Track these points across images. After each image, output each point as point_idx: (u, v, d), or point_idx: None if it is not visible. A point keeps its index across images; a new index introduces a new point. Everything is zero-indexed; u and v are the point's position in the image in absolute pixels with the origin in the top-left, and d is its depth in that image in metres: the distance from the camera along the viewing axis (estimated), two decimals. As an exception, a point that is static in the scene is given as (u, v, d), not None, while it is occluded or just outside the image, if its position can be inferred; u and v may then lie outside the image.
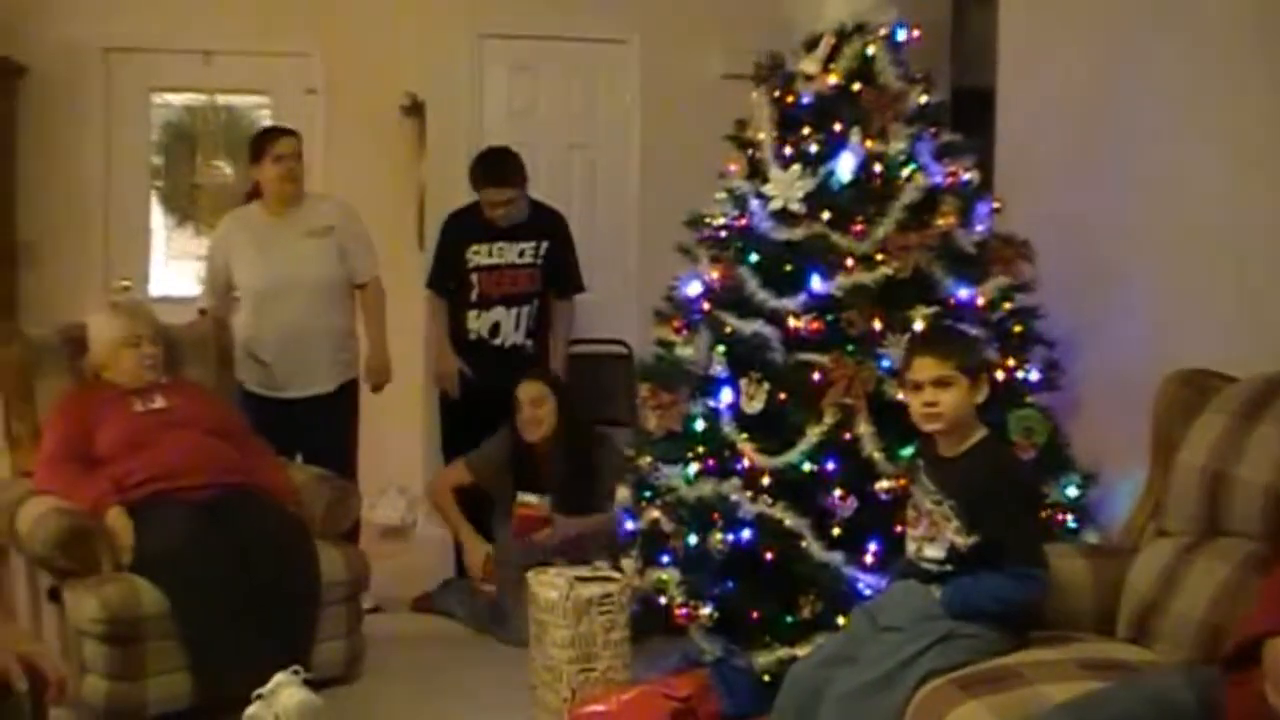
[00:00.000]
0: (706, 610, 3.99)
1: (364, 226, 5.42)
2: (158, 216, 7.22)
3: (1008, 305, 4.21)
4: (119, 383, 4.60)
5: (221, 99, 7.23)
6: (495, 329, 5.55)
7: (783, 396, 4.01)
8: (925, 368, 3.30)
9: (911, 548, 3.34)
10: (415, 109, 6.60)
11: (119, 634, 4.04)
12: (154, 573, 4.14)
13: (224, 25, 6.79)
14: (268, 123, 7.05)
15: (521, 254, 5.53)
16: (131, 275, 6.76)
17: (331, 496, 4.66)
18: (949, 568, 3.23)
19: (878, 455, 3.90)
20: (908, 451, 3.87)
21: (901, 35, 4.36)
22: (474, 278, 5.54)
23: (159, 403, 4.57)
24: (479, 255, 5.53)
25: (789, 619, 3.93)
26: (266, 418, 5.08)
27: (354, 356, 5.42)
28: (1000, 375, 4.01)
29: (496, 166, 5.56)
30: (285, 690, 3.92)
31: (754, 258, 4.15)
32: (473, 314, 5.56)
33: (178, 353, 4.93)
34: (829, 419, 3.92)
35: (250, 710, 3.90)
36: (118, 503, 4.26)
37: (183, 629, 4.10)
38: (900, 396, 3.85)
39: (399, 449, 5.73)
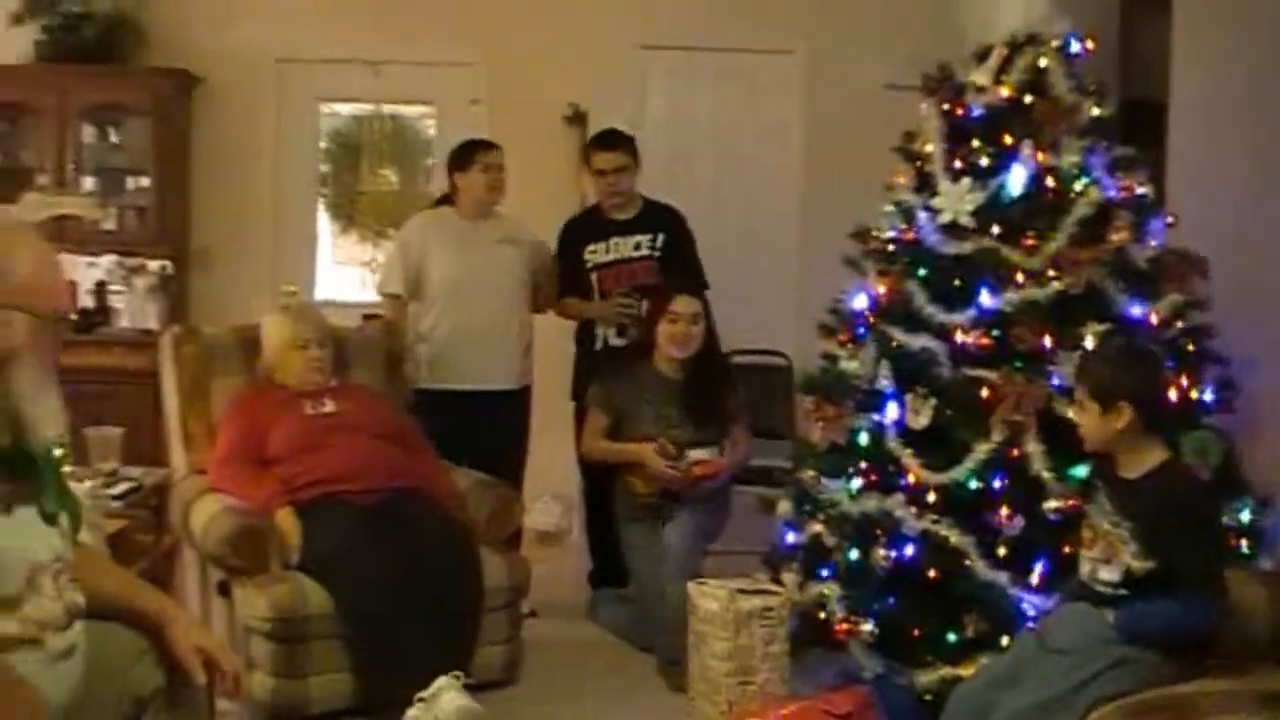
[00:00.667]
0: (867, 626, 3.95)
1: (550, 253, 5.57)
2: (323, 223, 7.37)
3: (1181, 323, 4.11)
4: (289, 384, 4.70)
5: (387, 109, 7.37)
6: (620, 328, 5.49)
7: (949, 412, 3.96)
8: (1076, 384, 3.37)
9: (1085, 569, 3.28)
10: (577, 119, 6.65)
11: (285, 632, 4.13)
12: (321, 573, 4.22)
13: (391, 37, 6.91)
14: (432, 132, 7.22)
15: (637, 246, 5.46)
16: (297, 280, 6.89)
17: (495, 502, 4.72)
18: (1123, 591, 3.17)
19: (1046, 474, 3.82)
20: (1077, 471, 3.79)
21: (1075, 47, 4.29)
22: (593, 278, 5.51)
23: (328, 406, 4.66)
24: (595, 254, 5.49)
25: (951, 638, 3.87)
26: (442, 415, 5.14)
27: (531, 365, 5.49)
28: (1173, 395, 3.92)
29: (605, 134, 5.61)
30: (446, 694, 3.97)
31: (922, 271, 4.11)
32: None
33: (346, 356, 5.02)
34: (997, 436, 3.86)
35: (411, 713, 3.95)
36: (287, 504, 4.36)
37: (347, 630, 4.17)
38: (1070, 414, 3.80)
39: (554, 456, 5.75)
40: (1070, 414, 3.29)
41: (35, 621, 2.33)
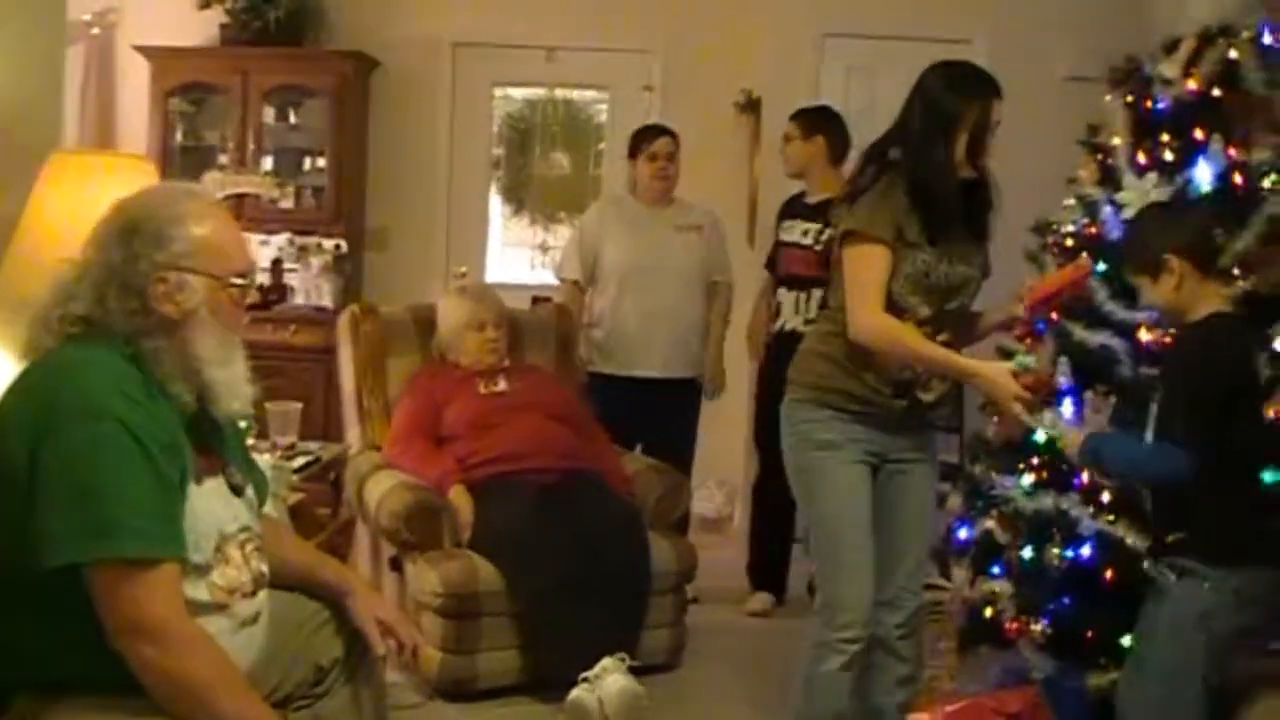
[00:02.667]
0: (1039, 626, 3.89)
1: (725, 238, 5.59)
2: (495, 205, 7.47)
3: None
4: (464, 364, 4.77)
5: (560, 94, 7.44)
6: (777, 311, 5.42)
7: (1128, 411, 3.88)
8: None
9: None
10: (751, 106, 6.64)
11: (456, 608, 4.22)
12: (492, 551, 4.30)
13: (566, 22, 6.98)
14: (604, 118, 7.27)
15: (805, 233, 5.32)
16: (469, 261, 7.01)
17: (664, 487, 4.76)
18: None
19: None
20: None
21: (1268, 38, 4.15)
22: (779, 253, 5.45)
23: (502, 385, 4.73)
24: (781, 231, 5.45)
25: (1125, 641, 3.79)
26: (614, 400, 5.22)
27: (703, 353, 5.49)
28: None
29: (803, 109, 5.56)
30: (610, 675, 4.02)
31: (1104, 267, 4.02)
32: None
33: (520, 338, 5.10)
34: (1177, 436, 3.77)
35: (575, 693, 4.01)
36: (461, 481, 4.44)
37: (516, 608, 4.25)
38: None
39: (720, 442, 5.78)
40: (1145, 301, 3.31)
41: (223, 588, 2.40)
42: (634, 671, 4.10)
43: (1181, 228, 3.28)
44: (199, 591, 2.36)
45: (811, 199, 5.36)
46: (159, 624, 2.22)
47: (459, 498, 4.40)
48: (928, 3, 6.48)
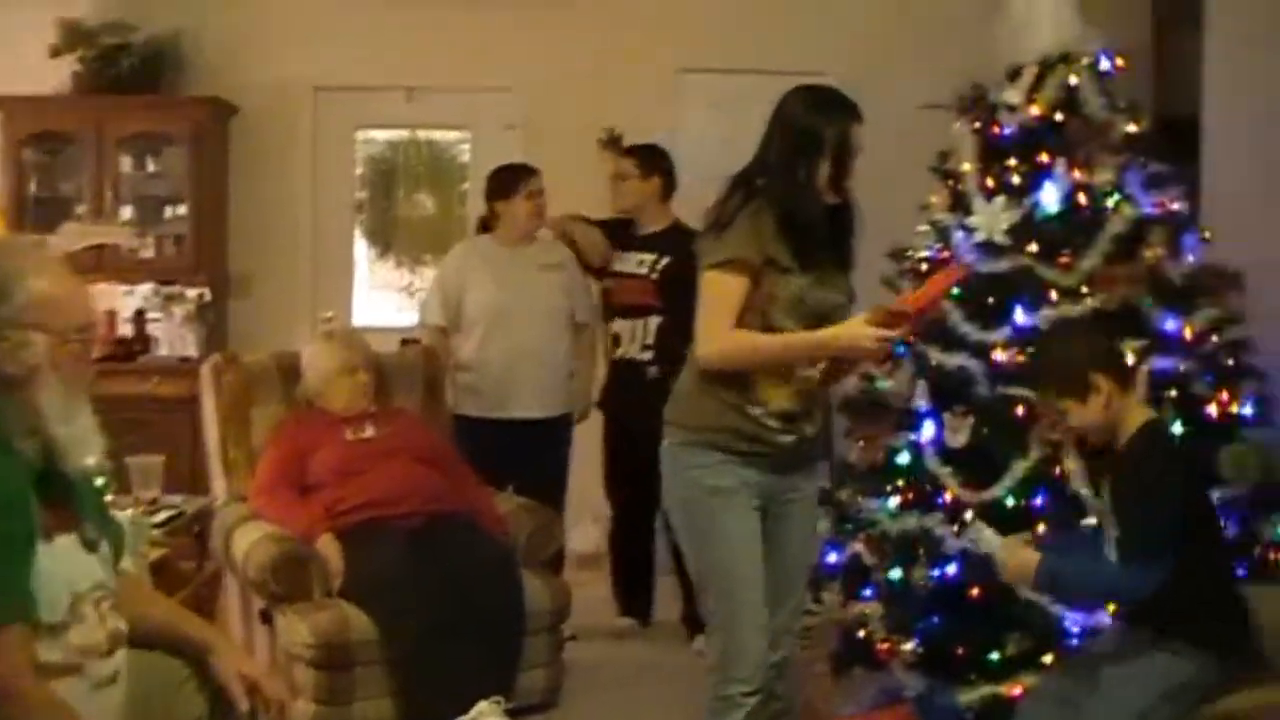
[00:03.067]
0: (910, 645, 3.95)
1: (583, 276, 5.60)
2: (360, 248, 7.42)
3: (1217, 337, 4.10)
4: (332, 410, 4.73)
5: (423, 134, 7.42)
6: (615, 341, 5.47)
7: (987, 430, 3.97)
8: (1039, 404, 3.43)
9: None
10: (613, 143, 6.68)
11: (328, 659, 4.16)
12: (363, 599, 4.25)
13: (426, 62, 6.96)
14: (467, 158, 7.26)
15: (640, 264, 5.38)
16: (335, 306, 6.94)
17: (536, 525, 4.75)
18: None
19: (1085, 491, 3.82)
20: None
21: (1105, 64, 4.29)
22: (606, 283, 5.53)
23: (369, 431, 4.69)
24: (615, 262, 5.49)
25: (994, 656, 3.86)
26: (483, 442, 5.19)
27: (571, 391, 5.52)
28: (1213, 410, 3.92)
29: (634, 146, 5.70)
30: (487, 718, 3.98)
31: (957, 291, 4.11)
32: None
33: (387, 381, 5.06)
34: (1035, 454, 3.86)
35: (452, 738, 3.97)
36: (329, 530, 4.39)
37: (390, 655, 4.20)
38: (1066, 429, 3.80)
39: (594, 478, 5.77)
40: (1066, 428, 3.31)
41: (78, 649, 2.37)
42: (511, 713, 4.03)
43: (1098, 345, 3.34)
44: (52, 653, 2.32)
45: (643, 231, 5.45)
46: (5, 689, 2.17)
47: (327, 546, 4.35)
48: (782, 37, 6.60)
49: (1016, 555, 3.23)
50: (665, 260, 5.32)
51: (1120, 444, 3.24)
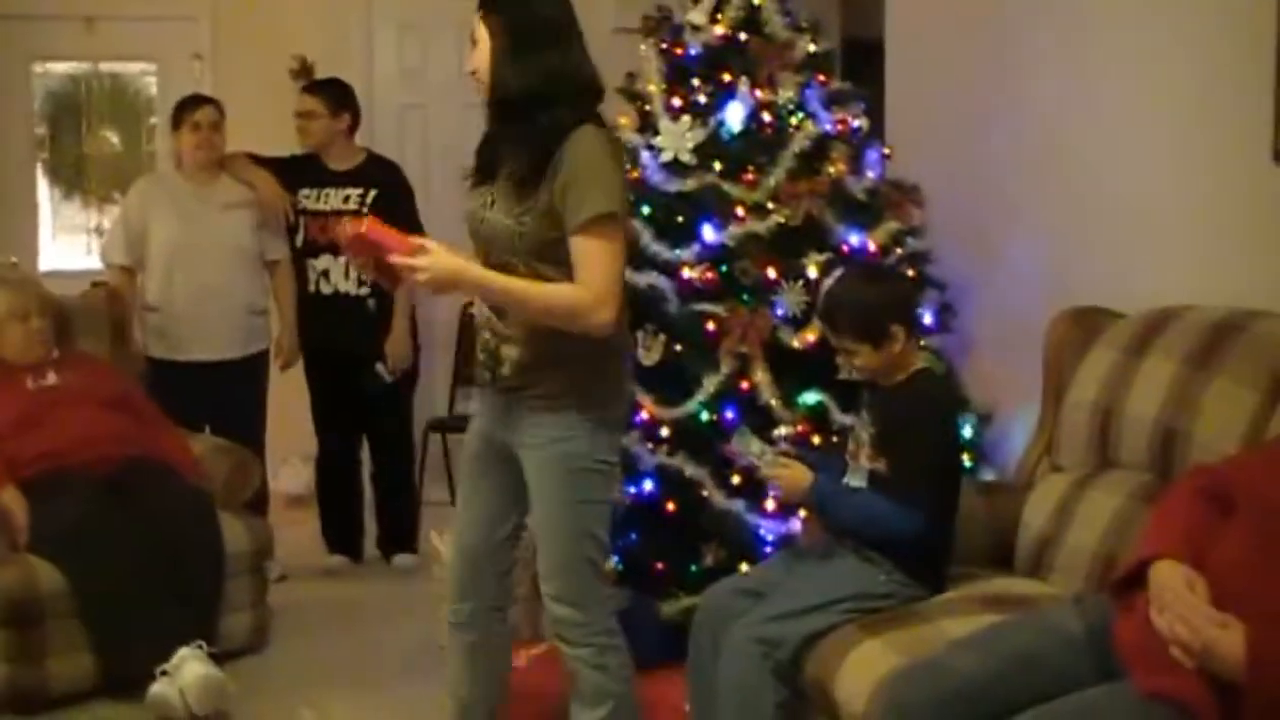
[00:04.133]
0: (611, 563, 3.99)
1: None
2: (44, 189, 7.06)
3: (900, 250, 4.24)
4: (9, 359, 4.51)
5: (105, 67, 7.07)
6: (325, 277, 5.39)
7: (679, 348, 4.03)
8: (831, 338, 3.33)
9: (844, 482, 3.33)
10: (305, 72, 6.51)
11: (17, 617, 4.00)
12: (51, 552, 4.09)
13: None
14: (154, 91, 6.97)
15: (346, 199, 5.31)
16: (19, 250, 6.61)
17: (232, 466, 4.64)
18: None
19: (775, 402, 3.93)
20: (806, 398, 3.91)
21: (789, -14, 4.37)
22: (302, 222, 5.40)
23: (51, 379, 4.49)
24: (308, 199, 5.39)
25: (694, 568, 3.95)
26: (174, 385, 5.05)
27: (264, 328, 5.39)
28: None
29: (313, 80, 5.67)
30: (189, 665, 3.90)
31: (646, 210, 4.14)
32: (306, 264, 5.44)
33: (70, 326, 4.84)
34: (726, 368, 3.94)
35: (154, 688, 3.88)
36: (11, 482, 4.20)
37: (83, 608, 4.06)
38: (795, 343, 3.90)
39: (302, 417, 5.66)
40: (850, 362, 3.28)
41: None
42: (215, 658, 3.99)
43: (901, 297, 3.35)
44: None
45: (338, 167, 5.39)
46: None
47: (10, 499, 4.16)
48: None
49: (789, 468, 3.23)
50: (374, 193, 5.30)
51: (891, 381, 3.27)
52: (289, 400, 5.53)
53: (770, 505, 3.86)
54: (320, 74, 6.17)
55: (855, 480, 3.26)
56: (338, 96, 5.43)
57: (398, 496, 5.69)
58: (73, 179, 7.15)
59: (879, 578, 3.15)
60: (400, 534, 5.61)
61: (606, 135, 2.98)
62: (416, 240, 2.90)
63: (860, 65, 5.48)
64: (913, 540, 3.13)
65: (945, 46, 4.78)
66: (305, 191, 5.37)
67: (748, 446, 3.31)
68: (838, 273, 3.57)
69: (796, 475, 3.22)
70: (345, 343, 5.34)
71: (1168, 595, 2.23)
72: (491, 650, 3.31)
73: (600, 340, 2.91)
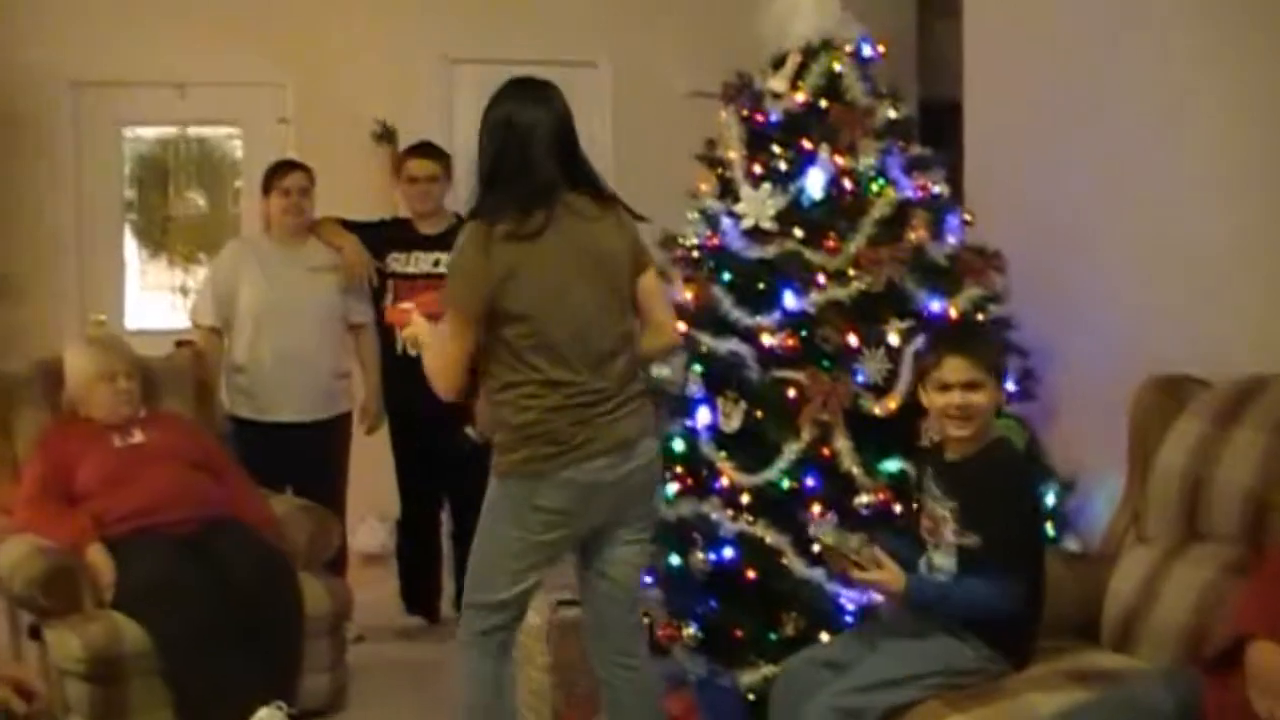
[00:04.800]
0: (690, 630, 4.00)
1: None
2: (131, 249, 7.19)
3: (981, 316, 4.21)
4: (97, 418, 4.59)
5: (193, 131, 7.21)
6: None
7: (760, 414, 4.02)
8: (957, 369, 3.21)
9: (924, 562, 3.31)
10: (387, 135, 6.61)
11: (102, 673, 4.04)
12: (136, 609, 4.14)
13: (195, 57, 6.76)
14: (240, 154, 7.10)
15: (436, 263, 5.26)
16: (106, 308, 6.73)
17: (313, 527, 4.67)
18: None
19: (856, 470, 3.90)
20: (887, 465, 3.89)
21: (867, 51, 4.38)
22: (390, 285, 5.39)
23: (137, 437, 4.56)
24: (398, 263, 5.39)
25: (772, 637, 3.93)
26: (257, 445, 5.11)
27: (347, 391, 5.44)
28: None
29: (420, 143, 5.60)
30: (268, 723, 3.92)
31: (727, 276, 4.16)
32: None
33: (156, 385, 4.92)
34: (806, 435, 3.92)
35: (234, 746, 3.90)
36: (98, 539, 4.26)
37: (165, 666, 4.09)
38: (876, 410, 3.88)
39: (379, 476, 5.70)
40: (967, 399, 3.21)
41: None
42: (295, 718, 4.01)
43: (1001, 355, 3.44)
44: None
45: (429, 230, 5.40)
46: None
47: (97, 557, 4.22)
48: (553, 27, 6.60)
49: (882, 570, 3.17)
50: None
51: (967, 453, 3.26)
52: (368, 459, 5.57)
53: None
54: (403, 138, 6.26)
55: (942, 558, 3.24)
56: (448, 164, 5.47)
57: None
58: (159, 239, 7.28)
59: (966, 653, 3.12)
60: None
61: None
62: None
63: (938, 127, 5.47)
64: (1012, 611, 3.09)
65: (1024, 108, 4.77)
66: (394, 255, 5.38)
67: (845, 543, 3.26)
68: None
69: (889, 578, 3.17)
70: (431, 405, 5.26)
71: (1269, 677, 2.19)
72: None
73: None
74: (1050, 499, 4.11)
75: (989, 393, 3.21)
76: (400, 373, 5.29)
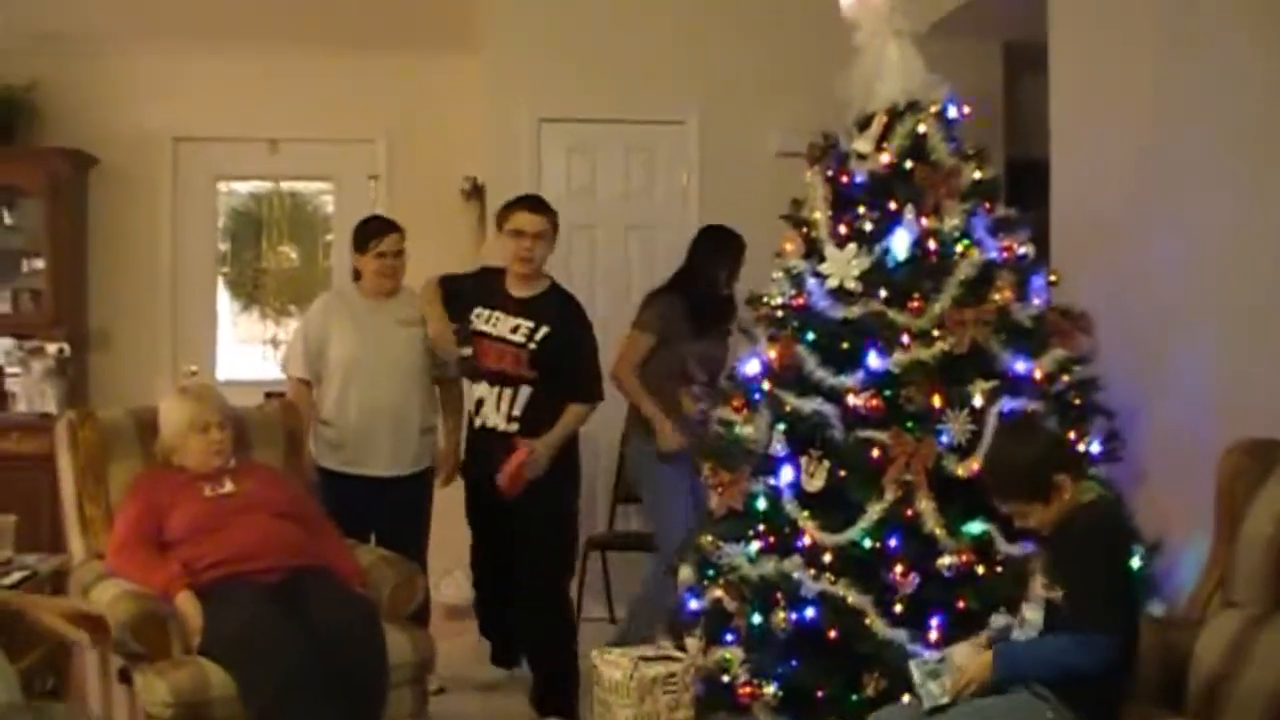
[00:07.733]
0: (771, 689, 3.98)
1: None
2: (224, 301, 7.35)
3: (1066, 377, 4.19)
4: (189, 467, 4.67)
5: (286, 186, 7.37)
6: (478, 408, 5.26)
7: (843, 474, 4.02)
8: (1001, 506, 3.41)
9: (1016, 619, 3.33)
10: (476, 192, 6.70)
11: (188, 718, 4.09)
12: (223, 656, 4.17)
13: (288, 114, 6.94)
14: (331, 209, 7.23)
15: (515, 329, 5.12)
16: (199, 359, 6.87)
17: (398, 579, 4.69)
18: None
19: (939, 531, 3.89)
20: (971, 527, 3.87)
21: (953, 112, 4.39)
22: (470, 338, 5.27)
23: (228, 487, 4.63)
24: (479, 319, 5.21)
25: (854, 697, 3.91)
26: (344, 496, 5.14)
27: (432, 445, 5.46)
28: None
29: (530, 196, 5.42)
30: (352, 773, 3.95)
31: (811, 336, 4.17)
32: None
33: (247, 435, 4.99)
34: (890, 496, 3.92)
35: (319, 795, 3.92)
36: (188, 586, 4.32)
37: (251, 713, 4.12)
38: (960, 472, 3.88)
39: (461, 529, 5.75)
40: (1025, 524, 3.39)
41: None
42: (377, 768, 4.04)
43: (1055, 444, 3.46)
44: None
45: (520, 293, 5.22)
46: None
47: (186, 603, 4.27)
48: (641, 85, 6.67)
49: (971, 664, 3.23)
50: (544, 330, 5.11)
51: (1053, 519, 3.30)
52: (452, 512, 5.61)
53: (934, 636, 3.81)
54: (492, 194, 6.34)
55: (1032, 612, 3.24)
56: (556, 217, 5.28)
57: None
58: (251, 292, 7.43)
59: (1047, 715, 3.09)
60: None
61: None
62: None
63: (1025, 186, 5.47)
64: (1102, 673, 3.08)
65: (1111, 167, 4.76)
66: (479, 310, 5.22)
67: (939, 687, 3.28)
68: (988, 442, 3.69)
69: (975, 672, 3.22)
70: (493, 479, 5.14)
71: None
72: None
73: None
74: (1135, 562, 4.07)
75: (1040, 511, 3.30)
76: (481, 443, 5.29)
